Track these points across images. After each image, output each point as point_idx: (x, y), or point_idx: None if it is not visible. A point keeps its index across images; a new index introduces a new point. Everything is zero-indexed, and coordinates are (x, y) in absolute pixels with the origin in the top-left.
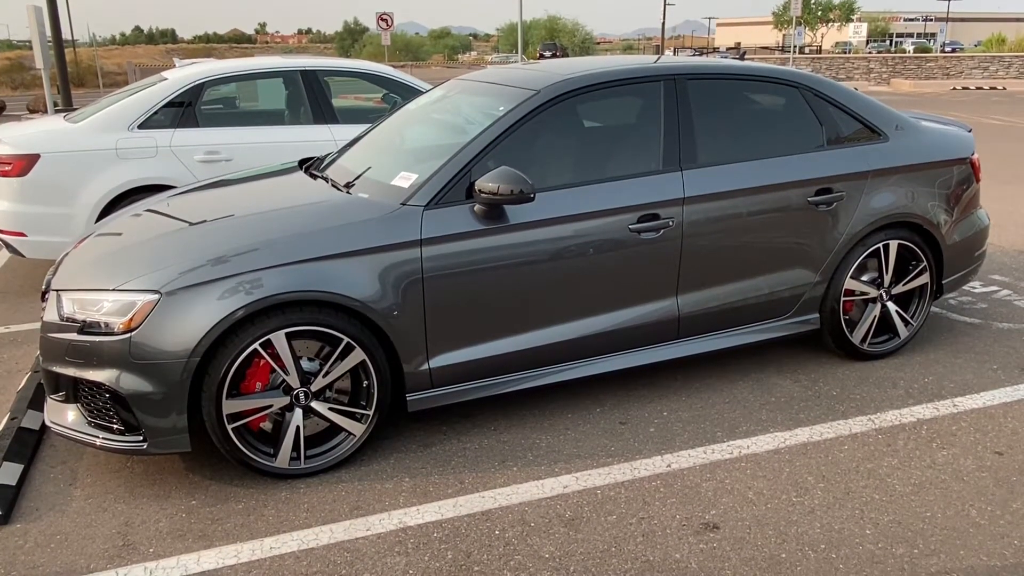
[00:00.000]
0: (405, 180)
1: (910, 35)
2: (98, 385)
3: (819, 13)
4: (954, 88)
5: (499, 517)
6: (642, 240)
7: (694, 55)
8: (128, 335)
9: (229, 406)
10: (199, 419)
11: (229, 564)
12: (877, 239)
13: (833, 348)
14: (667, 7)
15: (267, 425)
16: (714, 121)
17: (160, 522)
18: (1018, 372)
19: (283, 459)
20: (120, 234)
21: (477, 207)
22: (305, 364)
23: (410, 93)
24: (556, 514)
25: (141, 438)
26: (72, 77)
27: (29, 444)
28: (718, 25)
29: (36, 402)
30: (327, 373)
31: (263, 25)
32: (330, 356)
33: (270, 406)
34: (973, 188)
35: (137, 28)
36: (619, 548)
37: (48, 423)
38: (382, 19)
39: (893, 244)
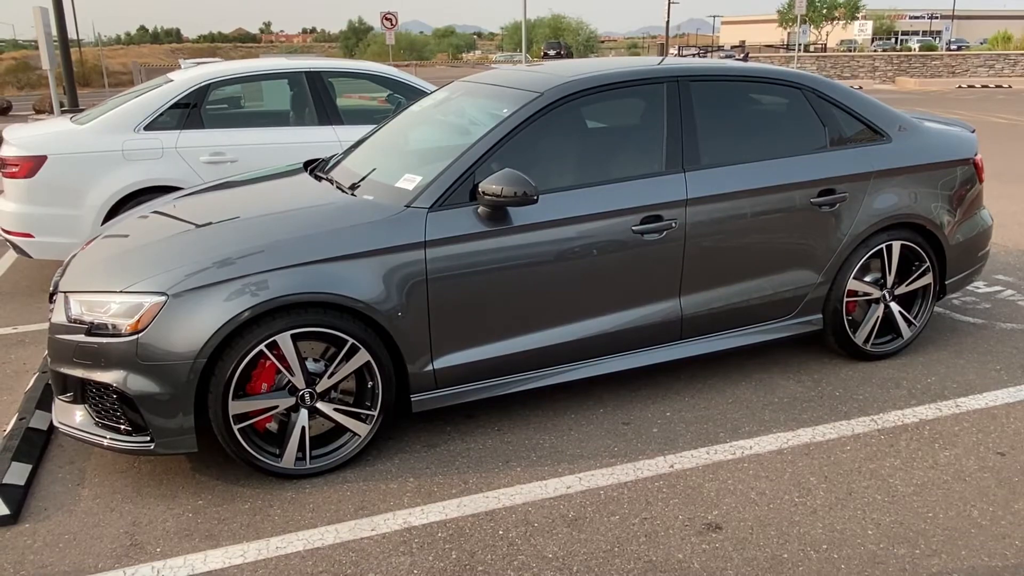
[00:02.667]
0: (409, 182)
1: (915, 33)
2: (105, 386)
3: (824, 11)
4: (959, 86)
5: (503, 517)
6: (645, 241)
7: (697, 54)
8: (135, 336)
9: (235, 407)
10: (206, 420)
11: (235, 564)
12: (880, 240)
13: (836, 349)
14: (671, 5)
15: (273, 426)
16: (717, 122)
17: (167, 522)
18: (1021, 372)
19: (289, 459)
20: (127, 236)
21: (481, 209)
22: (310, 365)
23: (414, 94)
24: (559, 514)
25: (148, 438)
26: (77, 77)
27: (37, 444)
28: (723, 23)
29: (44, 403)
30: (332, 374)
31: (268, 24)
32: (335, 357)
33: (276, 407)
34: (976, 188)
35: (142, 28)
36: (622, 548)
37: (56, 423)
38: (386, 18)
39: (896, 245)
